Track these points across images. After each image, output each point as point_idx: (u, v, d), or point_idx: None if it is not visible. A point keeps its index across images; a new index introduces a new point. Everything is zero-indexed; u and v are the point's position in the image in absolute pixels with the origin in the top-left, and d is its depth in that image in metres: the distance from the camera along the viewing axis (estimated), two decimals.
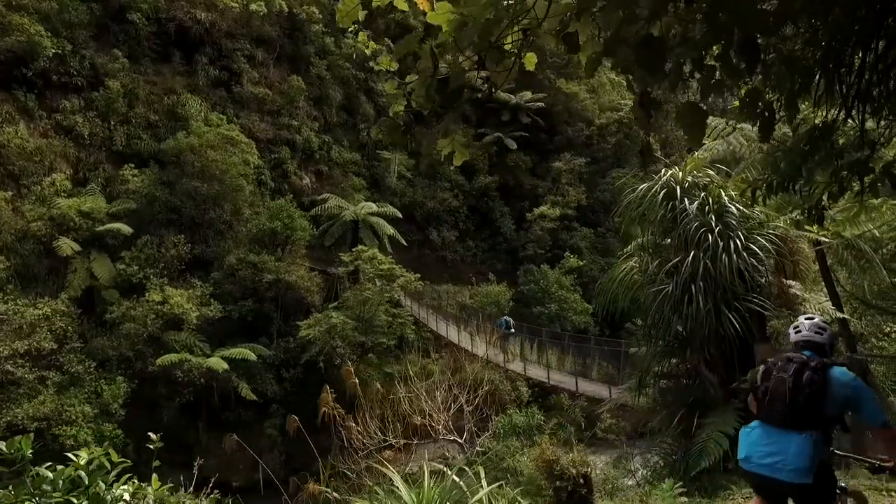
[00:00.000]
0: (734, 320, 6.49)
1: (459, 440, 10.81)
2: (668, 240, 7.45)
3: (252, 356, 25.81)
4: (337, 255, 31.07)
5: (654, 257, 7.31)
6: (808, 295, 7.82)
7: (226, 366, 24.60)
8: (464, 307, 32.16)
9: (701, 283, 6.53)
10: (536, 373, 17.82)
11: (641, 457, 7.80)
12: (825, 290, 12.41)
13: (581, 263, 36.30)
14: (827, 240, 8.26)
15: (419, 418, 10.85)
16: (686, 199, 6.96)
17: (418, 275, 30.25)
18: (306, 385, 26.66)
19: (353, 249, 29.64)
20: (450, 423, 10.95)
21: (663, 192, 7.09)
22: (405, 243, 35.08)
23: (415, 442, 10.69)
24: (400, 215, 34.99)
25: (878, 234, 15.37)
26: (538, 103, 42.89)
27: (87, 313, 25.33)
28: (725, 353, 6.75)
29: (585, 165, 41.46)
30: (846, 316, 9.17)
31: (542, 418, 10.94)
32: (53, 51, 26.40)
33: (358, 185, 37.43)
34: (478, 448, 10.14)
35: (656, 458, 7.09)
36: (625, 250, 8.34)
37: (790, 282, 7.40)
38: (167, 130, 30.13)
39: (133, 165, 28.28)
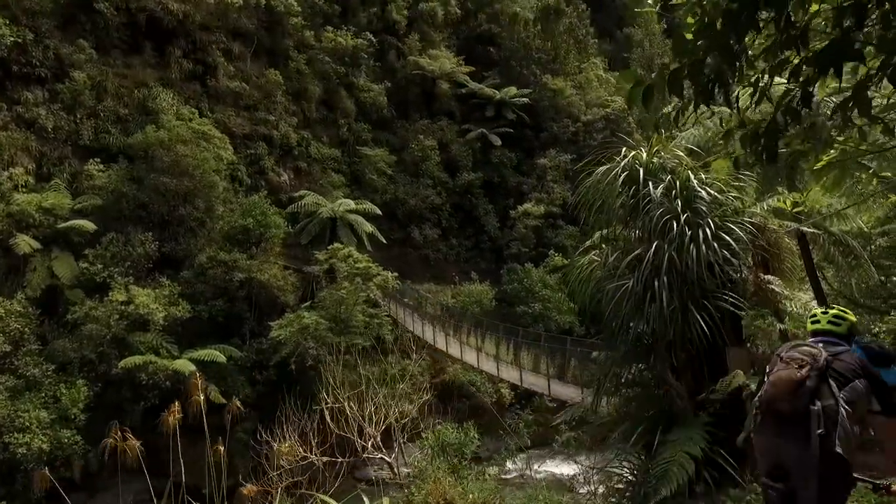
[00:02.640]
0: (703, 321, 5.67)
1: (388, 459, 9.90)
2: (636, 231, 6.62)
3: (221, 358, 24.89)
4: (313, 254, 30.16)
5: (614, 249, 6.50)
6: (789, 292, 7.00)
7: (193, 368, 23.62)
8: (445, 307, 31.30)
9: (665, 278, 5.69)
10: (510, 374, 17.00)
11: (602, 473, 6.98)
12: (811, 288, 11.67)
13: (566, 262, 35.52)
14: (810, 230, 7.47)
15: (347, 433, 9.94)
16: (650, 184, 6.14)
17: (396, 273, 29.41)
18: (280, 387, 25.77)
19: (329, 247, 28.74)
20: (378, 438, 10.01)
21: (624, 175, 6.26)
22: (385, 241, 34.21)
23: (340, 460, 9.77)
24: (379, 212, 34.09)
25: (866, 230, 14.71)
26: (523, 99, 42.16)
27: (48, 314, 24.32)
28: (694, 359, 5.93)
29: (571, 162, 40.68)
30: None
31: (477, 435, 10.01)
32: (13, 39, 25.28)
33: (337, 181, 36.50)
34: (405, 469, 9.22)
35: (616, 477, 6.29)
36: (585, 243, 7.50)
37: (769, 277, 6.58)
38: (137, 124, 29.08)
39: (99, 160, 27.23)
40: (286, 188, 34.96)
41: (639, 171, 6.20)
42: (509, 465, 27.82)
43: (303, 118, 37.03)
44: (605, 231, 6.93)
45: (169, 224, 27.70)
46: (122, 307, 23.57)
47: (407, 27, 43.45)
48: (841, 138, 3.02)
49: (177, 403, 15.37)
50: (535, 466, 23.82)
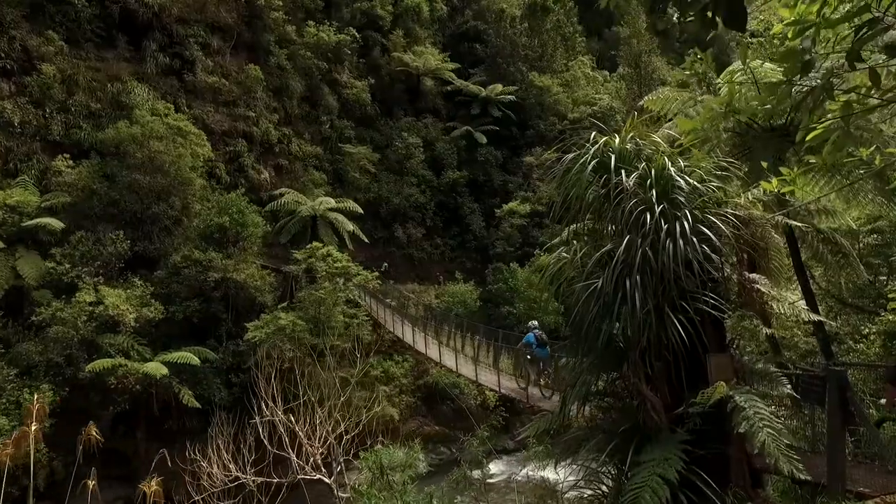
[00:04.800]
0: (681, 324, 5.06)
1: (327, 479, 9.18)
2: (608, 225, 6.01)
3: (195, 360, 24.05)
4: (293, 253, 29.40)
5: (582, 245, 5.88)
6: (776, 292, 6.42)
7: (165, 371, 22.81)
8: (428, 308, 30.64)
9: (638, 277, 5.08)
10: (488, 378, 16.37)
11: (574, 491, 6.35)
12: (799, 288, 11.14)
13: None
14: (799, 224, 6.89)
15: (283, 450, 9.20)
16: (623, 172, 5.52)
17: (376, 273, 28.73)
18: (257, 390, 25.01)
19: (308, 246, 28.00)
20: (318, 456, 9.25)
21: (594, 162, 5.64)
22: (367, 240, 33.53)
23: (275, 481, 9.05)
24: (361, 210, 33.40)
25: (854, 227, 14.22)
26: (509, 96, 41.62)
27: (12, 316, 23.41)
28: (670, 367, 5.32)
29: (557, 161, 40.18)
30: (822, 318, 7.80)
31: (421, 456, 9.31)
32: None
33: (319, 179, 35.74)
34: (342, 494, 8.51)
35: (586, 497, 5.68)
36: (554, 241, 6.88)
37: (754, 276, 5.99)
38: (110, 120, 28.17)
39: (68, 156, 26.29)
40: (267, 186, 34.16)
41: (610, 157, 5.59)
42: (494, 469, 27.34)
43: (284, 115, 36.24)
44: (575, 225, 6.31)
45: (142, 222, 26.85)
46: (91, 308, 22.71)
47: (392, 23, 42.75)
48: (843, 98, 2.42)
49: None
50: (524, 470, 23.24)
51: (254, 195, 32.20)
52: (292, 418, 9.80)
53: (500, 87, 41.72)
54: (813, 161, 2.50)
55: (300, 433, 9.30)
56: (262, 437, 9.58)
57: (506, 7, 46.26)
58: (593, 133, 5.89)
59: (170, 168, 26.99)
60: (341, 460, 9.45)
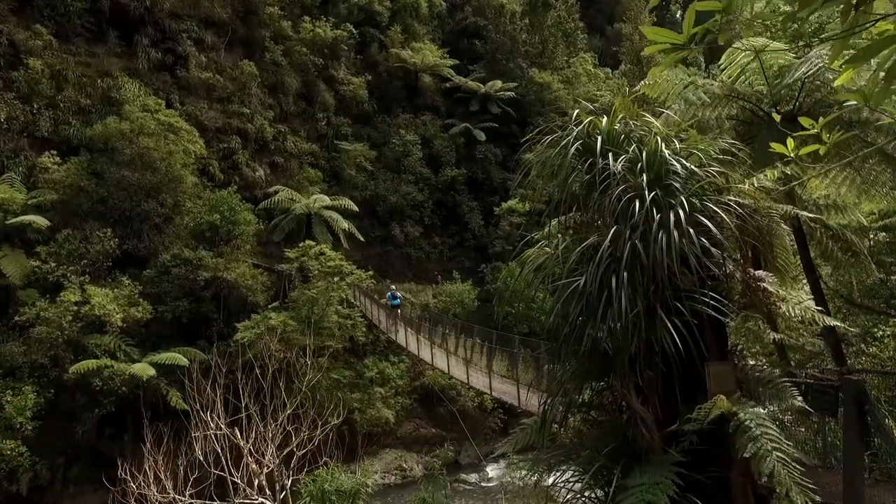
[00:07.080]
0: (675, 328, 4.40)
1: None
2: (594, 215, 5.35)
3: (184, 361, 23.42)
4: (286, 252, 28.79)
5: (564, 238, 5.23)
6: (784, 292, 5.75)
7: (152, 372, 22.24)
8: (425, 308, 29.99)
9: (626, 274, 4.42)
10: (480, 381, 15.72)
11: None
12: (806, 287, 10.46)
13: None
14: (809, 214, 6.22)
15: (224, 470, 8.52)
16: (611, 156, 4.86)
17: (371, 272, 28.09)
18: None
19: (300, 245, 27.38)
20: (262, 477, 8.56)
21: (578, 144, 4.98)
22: (362, 239, 32.89)
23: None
24: (356, 209, 32.74)
25: (865, 223, 13.50)
26: (509, 93, 40.92)
27: None
28: (664, 377, 4.66)
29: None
30: (836, 322, 7.10)
31: (369, 480, 8.62)
32: None
33: (315, 177, 35.11)
34: None
35: None
36: (535, 235, 6.22)
37: (761, 273, 5.32)
38: (100, 116, 27.62)
39: (55, 153, 25.73)
40: (262, 184, 33.56)
41: (597, 139, 4.93)
42: (491, 473, 26.67)
43: (279, 111, 35.64)
44: (558, 218, 5.65)
45: (131, 220, 26.29)
46: (76, 308, 22.16)
47: (390, 19, 42.10)
48: None
49: None
50: (521, 474, 22.65)
51: (248, 193, 31.62)
52: (237, 432, 9.13)
53: (499, 83, 41.02)
54: (852, 102, 1.88)
55: (245, 449, 8.65)
56: (198, 454, 8.89)
57: (506, 3, 45.55)
58: (576, 112, 5.24)
59: (160, 165, 26.44)
60: (287, 483, 8.77)
